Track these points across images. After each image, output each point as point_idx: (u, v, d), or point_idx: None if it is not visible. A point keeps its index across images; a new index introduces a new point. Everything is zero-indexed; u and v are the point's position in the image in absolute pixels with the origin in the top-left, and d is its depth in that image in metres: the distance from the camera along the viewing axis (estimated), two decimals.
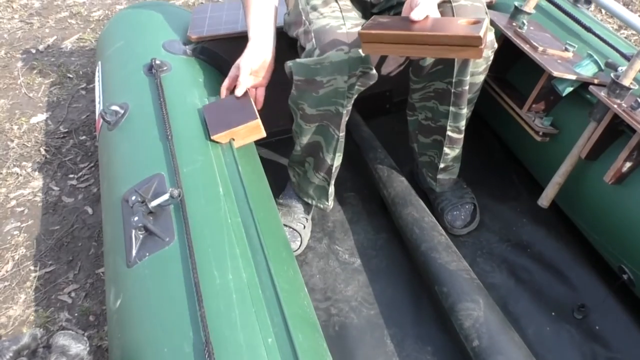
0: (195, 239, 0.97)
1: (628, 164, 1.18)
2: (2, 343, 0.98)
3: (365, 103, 1.64)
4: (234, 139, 1.18)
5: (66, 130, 2.10)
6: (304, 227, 1.51)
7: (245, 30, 1.30)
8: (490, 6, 1.60)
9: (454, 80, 1.27)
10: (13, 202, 1.80)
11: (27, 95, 2.30)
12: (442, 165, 1.48)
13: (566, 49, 1.36)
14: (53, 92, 2.30)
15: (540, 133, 1.37)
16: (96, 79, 1.60)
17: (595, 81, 1.28)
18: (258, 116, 1.17)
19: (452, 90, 1.29)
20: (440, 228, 1.39)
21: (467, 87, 1.28)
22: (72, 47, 2.61)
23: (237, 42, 1.53)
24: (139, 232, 1.03)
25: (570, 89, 1.31)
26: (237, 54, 1.54)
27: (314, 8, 1.24)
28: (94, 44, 2.60)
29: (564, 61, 1.33)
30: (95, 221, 1.71)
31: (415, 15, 1.05)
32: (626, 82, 1.17)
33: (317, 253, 1.50)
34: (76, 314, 1.47)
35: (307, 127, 1.30)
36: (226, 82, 1.27)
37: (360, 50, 1.14)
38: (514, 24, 1.42)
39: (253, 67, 1.25)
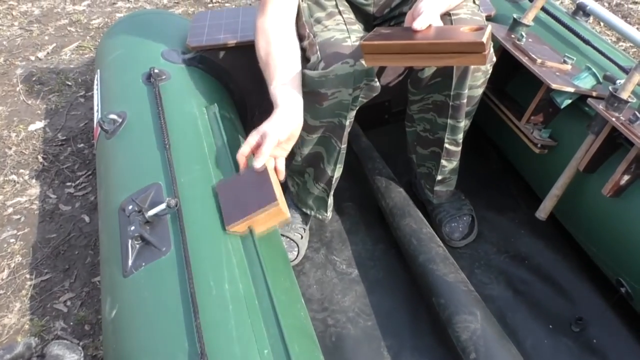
0: (192, 249, 0.96)
1: (626, 177, 1.18)
2: None
3: (364, 113, 1.63)
4: (252, 227, 1.01)
5: (64, 137, 2.09)
6: (302, 237, 1.51)
7: (245, 40, 1.30)
8: (489, 18, 1.60)
9: (452, 93, 1.27)
10: (10, 210, 1.80)
11: (25, 102, 2.30)
12: (439, 177, 1.48)
13: (565, 62, 1.36)
14: (51, 100, 2.30)
15: (539, 145, 1.37)
16: (95, 87, 1.60)
17: (594, 94, 1.28)
18: (279, 197, 1.01)
19: (450, 103, 1.29)
20: (438, 239, 1.38)
21: (465, 100, 1.28)
22: (72, 55, 2.62)
23: (236, 51, 1.54)
24: (136, 242, 1.02)
25: (569, 101, 1.31)
26: (236, 63, 1.55)
27: (318, 20, 1.24)
28: (93, 52, 2.61)
29: (563, 73, 1.33)
30: (92, 229, 1.71)
31: (418, 24, 1.05)
32: (624, 95, 1.18)
33: (314, 263, 1.50)
34: (71, 323, 1.46)
35: (309, 137, 1.30)
36: (245, 149, 1.09)
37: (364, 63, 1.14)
38: (512, 36, 1.43)
39: (281, 137, 1.08)
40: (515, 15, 1.45)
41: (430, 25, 1.07)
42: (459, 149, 1.41)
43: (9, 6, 3.04)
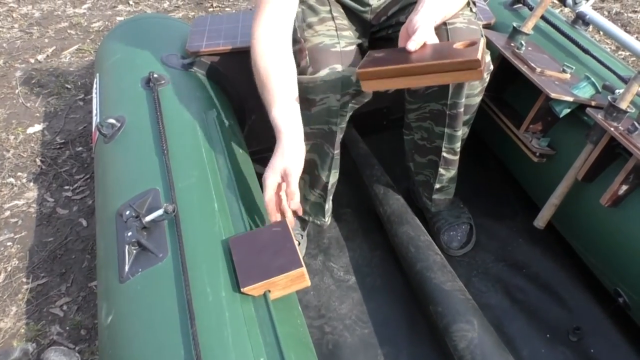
0: (189, 255, 0.96)
1: (624, 187, 1.18)
2: None
3: (362, 119, 1.64)
4: (269, 291, 0.93)
5: (63, 141, 2.09)
6: (299, 243, 1.51)
7: (244, 45, 1.28)
8: (488, 26, 1.60)
9: (449, 102, 1.27)
10: (7, 213, 1.79)
11: (24, 105, 2.30)
12: (437, 186, 1.47)
13: (564, 71, 1.37)
14: (51, 103, 2.30)
15: (537, 154, 1.37)
16: (94, 90, 1.60)
17: (593, 103, 1.28)
18: (302, 262, 0.93)
19: (447, 112, 1.29)
20: (436, 247, 1.38)
21: (462, 110, 1.28)
22: (71, 58, 2.62)
23: (236, 56, 1.53)
24: (132, 248, 1.02)
25: (568, 110, 1.31)
26: (235, 68, 1.55)
27: (310, 25, 1.24)
28: (93, 55, 2.61)
29: (562, 82, 1.34)
30: (90, 234, 1.70)
31: (412, 45, 1.04)
32: (623, 105, 1.18)
33: (311, 269, 1.50)
34: (67, 328, 1.46)
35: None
36: (270, 194, 1.03)
37: (354, 69, 1.14)
38: (512, 44, 1.43)
39: (300, 169, 1.04)
40: (515, 24, 1.45)
41: (425, 43, 1.06)
42: (457, 157, 1.41)
43: (9, 8, 3.04)
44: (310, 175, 1.38)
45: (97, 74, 1.64)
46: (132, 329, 0.93)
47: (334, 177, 1.38)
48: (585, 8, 1.54)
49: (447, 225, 1.55)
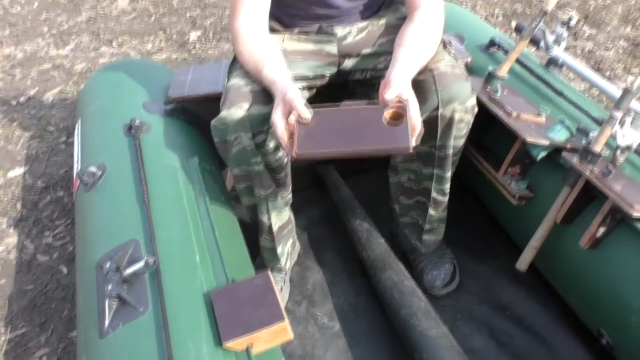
0: (170, 309, 0.95)
1: (602, 229, 1.20)
2: None
3: (343, 161, 1.65)
4: (252, 345, 0.92)
5: (44, 185, 2.08)
6: (282, 289, 1.49)
7: None
8: (465, 66, 1.63)
9: (437, 144, 1.27)
10: None
11: (5, 148, 2.28)
12: (427, 227, 1.47)
13: (539, 114, 1.39)
14: (32, 145, 2.29)
15: (517, 196, 1.39)
16: (75, 137, 1.60)
17: (568, 146, 1.31)
18: (285, 315, 0.92)
19: (436, 154, 1.29)
20: (420, 292, 1.37)
21: (450, 151, 1.28)
22: (54, 100, 2.62)
23: (217, 103, 1.54)
24: (113, 301, 1.01)
25: (544, 153, 1.34)
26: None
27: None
28: (75, 97, 2.61)
29: (538, 126, 1.36)
30: (70, 281, 1.68)
31: (388, 96, 1.02)
32: (597, 148, 1.20)
33: (295, 317, 1.47)
34: None
35: (239, 187, 1.30)
36: (281, 128, 1.03)
37: (265, 108, 1.14)
38: (488, 88, 1.46)
39: (300, 96, 1.04)
40: (490, 68, 1.48)
41: (357, 109, 1.03)
42: (446, 198, 1.40)
43: None
44: (256, 221, 1.37)
45: (79, 119, 1.64)
46: None
47: (276, 219, 1.36)
48: (558, 52, 1.58)
49: (431, 265, 1.54)
